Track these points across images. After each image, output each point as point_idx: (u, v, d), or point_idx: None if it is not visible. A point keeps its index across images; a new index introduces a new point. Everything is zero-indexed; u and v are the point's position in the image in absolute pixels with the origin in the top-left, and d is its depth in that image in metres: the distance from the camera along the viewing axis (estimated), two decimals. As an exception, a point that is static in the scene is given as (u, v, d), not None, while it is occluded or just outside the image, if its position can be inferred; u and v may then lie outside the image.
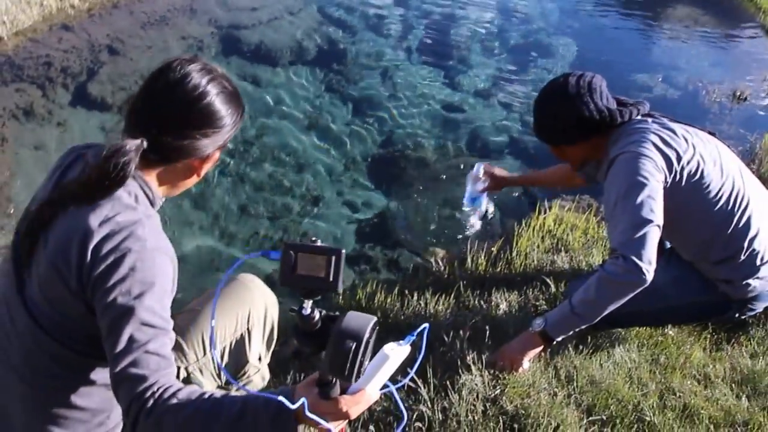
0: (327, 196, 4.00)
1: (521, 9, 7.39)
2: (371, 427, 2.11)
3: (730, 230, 2.29)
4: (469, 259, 3.14)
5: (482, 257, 3.14)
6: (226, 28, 5.66)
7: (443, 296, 2.81)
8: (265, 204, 3.85)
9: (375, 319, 1.18)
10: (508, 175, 3.20)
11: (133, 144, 1.40)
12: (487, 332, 2.48)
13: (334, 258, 1.19)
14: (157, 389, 1.21)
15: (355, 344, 1.12)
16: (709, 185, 2.26)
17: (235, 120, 1.56)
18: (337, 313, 1.23)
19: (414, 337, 1.24)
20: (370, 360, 1.19)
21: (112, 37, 5.14)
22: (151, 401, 1.20)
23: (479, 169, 3.12)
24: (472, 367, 2.29)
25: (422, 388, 2.21)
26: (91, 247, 1.32)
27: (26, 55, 4.72)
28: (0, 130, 3.99)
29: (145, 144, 1.42)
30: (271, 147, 4.32)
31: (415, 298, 2.82)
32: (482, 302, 2.81)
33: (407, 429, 2.10)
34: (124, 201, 1.40)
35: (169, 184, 1.58)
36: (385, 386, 1.26)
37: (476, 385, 2.24)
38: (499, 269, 3.10)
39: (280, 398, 1.14)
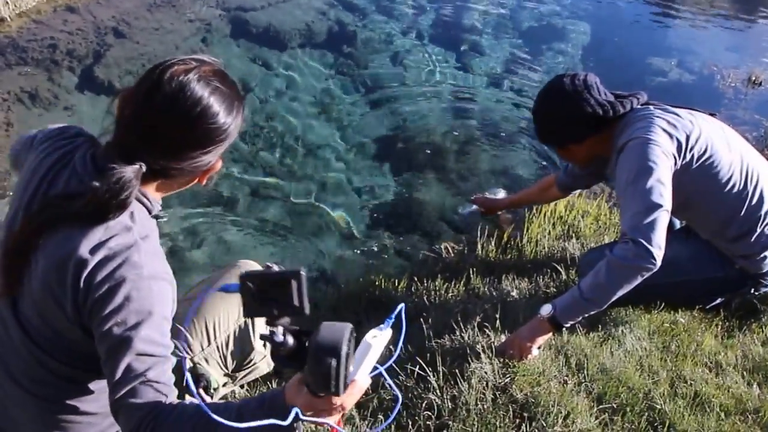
0: (336, 182, 3.98)
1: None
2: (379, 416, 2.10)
3: (745, 206, 2.37)
4: (479, 246, 3.13)
5: (493, 244, 3.13)
6: (234, 10, 5.62)
7: (453, 283, 2.81)
8: (275, 189, 3.83)
9: (350, 326, 1.15)
10: (499, 200, 3.43)
11: (131, 172, 1.31)
12: (498, 320, 2.47)
13: (294, 282, 1.12)
14: (154, 417, 1.21)
15: (334, 360, 1.10)
16: (719, 163, 2.32)
17: (237, 123, 1.44)
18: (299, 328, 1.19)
19: (393, 320, 1.29)
20: (353, 361, 1.18)
21: (118, 18, 5.11)
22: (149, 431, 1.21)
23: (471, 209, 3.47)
24: (482, 355, 2.27)
25: (431, 376, 2.19)
26: (84, 274, 1.27)
27: (30, 37, 4.70)
28: (5, 115, 3.98)
29: (143, 168, 1.34)
30: (280, 132, 4.29)
31: (425, 285, 2.80)
32: (492, 289, 2.80)
33: (417, 417, 2.08)
34: (119, 220, 1.33)
35: (169, 189, 1.51)
36: (374, 369, 1.26)
37: (486, 373, 2.22)
38: (509, 256, 3.09)
39: (272, 421, 1.14)
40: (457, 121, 4.70)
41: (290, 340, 1.15)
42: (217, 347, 1.86)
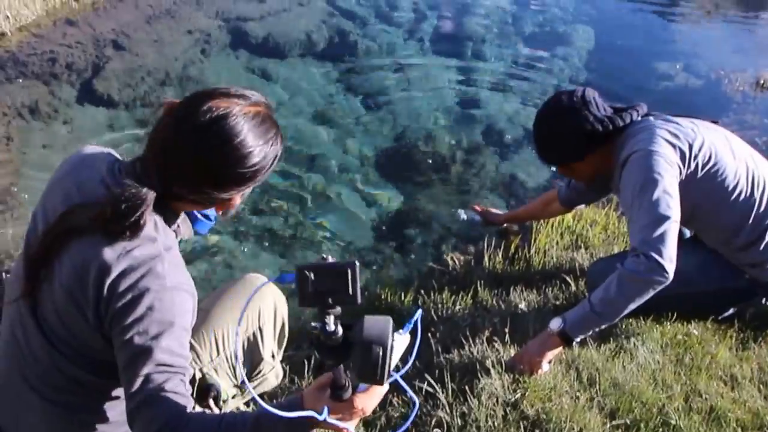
0: (340, 192, 3.94)
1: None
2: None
3: (753, 214, 2.34)
4: (486, 258, 3.09)
5: (500, 255, 3.10)
6: (234, 21, 5.61)
7: (461, 296, 2.78)
8: (277, 200, 3.80)
9: (391, 319, 1.22)
10: (500, 214, 3.39)
11: (143, 194, 1.32)
12: (507, 333, 2.43)
13: (350, 271, 1.18)
14: (172, 429, 1.23)
15: (382, 350, 1.17)
16: (724, 171, 2.30)
17: (265, 169, 1.44)
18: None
19: (411, 325, 1.36)
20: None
21: (118, 31, 5.11)
22: None
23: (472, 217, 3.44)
24: (492, 371, 2.23)
25: (440, 392, 2.16)
26: (108, 282, 1.28)
27: (30, 51, 4.70)
28: (5, 129, 3.97)
29: (154, 194, 1.34)
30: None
31: (432, 297, 2.78)
32: (501, 302, 2.77)
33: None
34: (144, 231, 1.33)
35: (190, 208, 1.53)
36: (390, 375, 1.29)
37: (496, 389, 2.18)
38: (517, 267, 3.06)
39: (310, 413, 1.22)
40: (461, 129, 4.66)
41: (340, 329, 1.20)
42: (226, 358, 1.85)
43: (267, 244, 3.50)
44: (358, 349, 1.18)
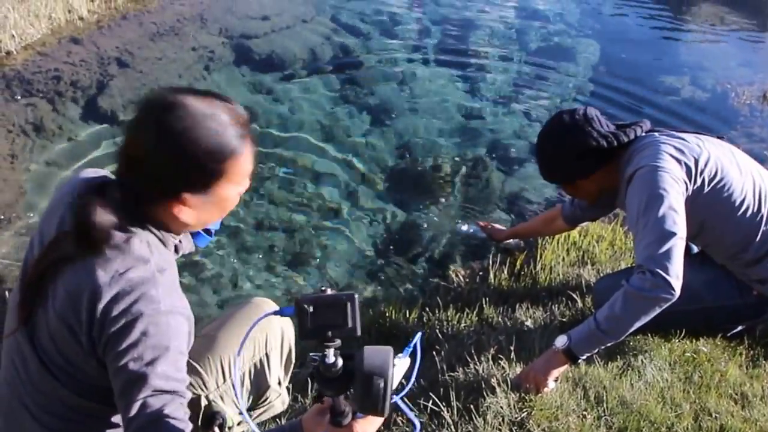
0: (344, 209, 3.92)
1: (541, 11, 7.31)
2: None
3: (760, 229, 2.33)
4: (491, 274, 3.08)
5: (505, 272, 3.07)
6: (238, 38, 5.63)
7: (466, 313, 2.75)
8: (281, 217, 3.78)
9: (392, 349, 1.22)
10: (503, 230, 3.39)
11: (100, 211, 1.29)
12: (513, 351, 2.41)
13: (349, 304, 1.19)
14: None
15: (383, 381, 1.17)
16: (731, 186, 2.29)
17: (237, 163, 1.38)
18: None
19: (411, 348, 1.38)
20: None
21: (122, 49, 5.13)
22: None
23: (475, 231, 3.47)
24: (497, 389, 2.20)
25: (446, 411, 2.13)
26: (101, 307, 1.26)
27: (35, 69, 4.72)
28: (10, 146, 3.97)
29: (112, 199, 1.32)
30: (286, 159, 4.25)
31: (437, 315, 2.76)
32: (506, 319, 2.74)
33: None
34: (136, 252, 1.30)
35: (182, 222, 1.44)
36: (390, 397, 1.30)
37: (502, 407, 2.15)
38: (523, 284, 3.03)
39: None
40: (466, 144, 4.65)
41: (340, 361, 1.21)
42: (233, 385, 1.82)
43: (270, 261, 3.48)
44: (359, 380, 1.18)
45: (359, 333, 1.20)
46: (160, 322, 1.27)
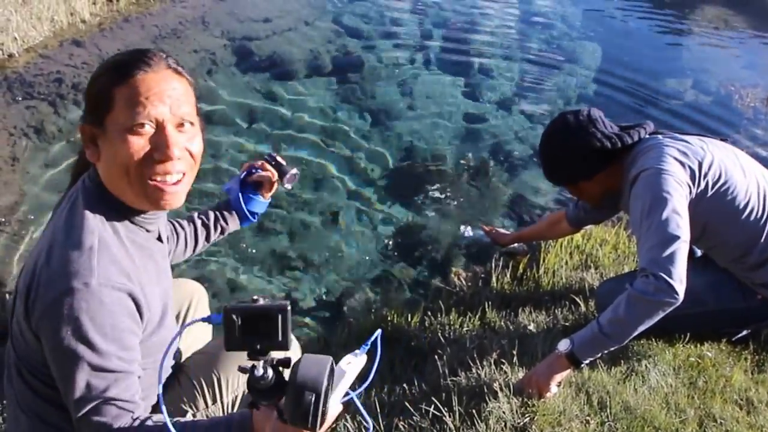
0: (346, 212, 3.92)
1: (543, 14, 7.31)
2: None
3: (765, 232, 2.31)
4: (494, 278, 3.06)
5: (508, 276, 3.07)
6: (239, 40, 5.62)
7: (468, 317, 2.74)
8: (283, 221, 3.76)
9: (331, 360, 1.15)
10: (507, 234, 3.34)
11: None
12: (515, 355, 2.39)
13: (280, 316, 1.12)
14: None
15: (314, 396, 1.10)
16: (735, 189, 2.28)
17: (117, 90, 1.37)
18: (290, 355, 1.18)
19: (368, 347, 1.33)
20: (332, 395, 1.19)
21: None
22: None
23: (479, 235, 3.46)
24: (500, 394, 2.18)
25: (448, 416, 2.10)
26: (37, 273, 1.24)
27: (37, 72, 4.72)
28: (11, 149, 3.98)
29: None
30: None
31: (439, 319, 2.74)
32: (509, 323, 2.72)
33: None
34: (86, 220, 1.29)
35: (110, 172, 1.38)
36: (346, 394, 1.28)
37: (504, 413, 2.13)
38: (525, 288, 3.02)
39: None
40: (468, 147, 4.64)
41: (270, 373, 1.14)
42: (222, 407, 1.79)
43: (269, 264, 3.47)
44: (290, 392, 1.12)
45: (290, 347, 1.14)
46: (91, 297, 1.22)
